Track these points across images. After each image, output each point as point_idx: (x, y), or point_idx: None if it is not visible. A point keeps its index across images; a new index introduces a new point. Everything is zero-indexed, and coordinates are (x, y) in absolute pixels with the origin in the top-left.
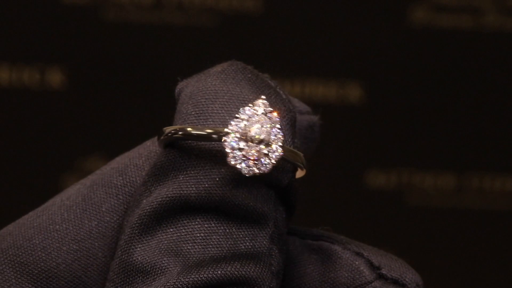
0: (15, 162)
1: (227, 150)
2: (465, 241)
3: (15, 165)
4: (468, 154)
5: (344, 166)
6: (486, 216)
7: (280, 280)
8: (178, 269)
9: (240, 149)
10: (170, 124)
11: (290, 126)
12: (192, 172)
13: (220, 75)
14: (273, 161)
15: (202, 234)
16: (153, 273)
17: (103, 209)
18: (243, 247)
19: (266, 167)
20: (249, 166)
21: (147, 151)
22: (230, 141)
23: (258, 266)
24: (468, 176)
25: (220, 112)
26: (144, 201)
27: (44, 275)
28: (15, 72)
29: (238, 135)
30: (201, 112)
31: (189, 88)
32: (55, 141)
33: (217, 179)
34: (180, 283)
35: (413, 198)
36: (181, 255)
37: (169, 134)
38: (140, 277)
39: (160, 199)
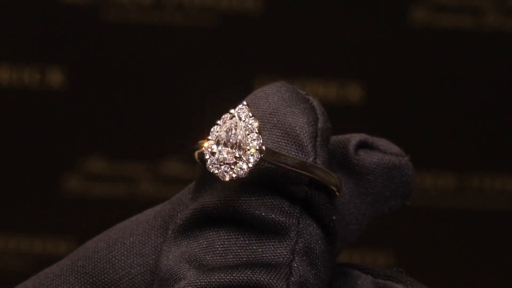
0: (15, 162)
1: (206, 156)
2: (465, 241)
3: (15, 165)
4: (468, 154)
5: None
6: (486, 216)
7: None
8: (191, 274)
9: (213, 153)
10: (171, 126)
11: (310, 137)
12: (215, 185)
13: (256, 93)
14: (250, 164)
15: (221, 245)
16: (171, 281)
17: (170, 227)
18: (261, 257)
19: (243, 170)
20: (225, 171)
21: None
22: (206, 147)
23: (271, 274)
24: (468, 176)
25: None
26: (179, 215)
27: (106, 286)
28: (15, 72)
29: (214, 141)
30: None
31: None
32: (55, 141)
33: (233, 190)
34: (191, 285)
35: (414, 198)
36: (199, 264)
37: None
38: (160, 285)
39: (188, 213)
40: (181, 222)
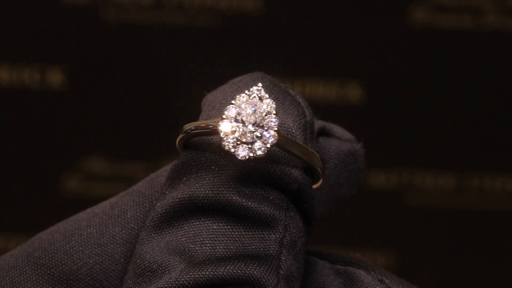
0: (15, 162)
1: (221, 135)
2: (465, 241)
3: (15, 165)
4: (468, 154)
5: None
6: (486, 216)
7: (295, 286)
8: (182, 267)
9: (233, 132)
10: (171, 126)
11: (301, 131)
12: (202, 174)
13: (239, 83)
14: (268, 145)
15: (210, 235)
16: (159, 272)
17: (128, 216)
18: (250, 249)
19: (261, 151)
20: (243, 150)
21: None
22: (224, 127)
23: (263, 267)
24: (468, 176)
25: (226, 103)
26: (158, 204)
27: (64, 277)
28: (15, 72)
29: (232, 120)
30: (211, 109)
31: (210, 97)
32: (55, 141)
33: (224, 180)
34: (183, 279)
35: (413, 198)
36: (188, 255)
37: (182, 134)
38: (148, 276)
39: (171, 201)
40: (163, 211)
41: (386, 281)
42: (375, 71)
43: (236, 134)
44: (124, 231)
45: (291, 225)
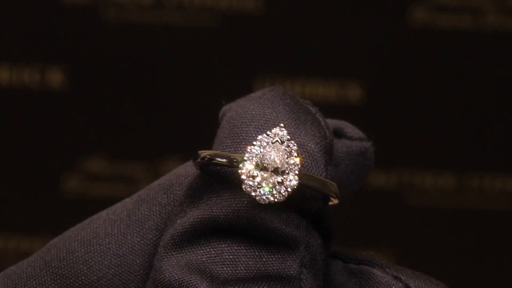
0: (15, 162)
1: (243, 177)
2: (465, 241)
3: (15, 165)
4: (468, 154)
5: None
6: (486, 216)
7: None
8: (204, 286)
9: (254, 177)
10: (171, 126)
11: (323, 153)
12: (224, 195)
13: (259, 99)
14: (289, 189)
15: (231, 256)
16: None
17: (146, 226)
18: (272, 270)
19: (281, 195)
20: (264, 194)
21: (194, 169)
22: (245, 169)
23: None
24: (468, 176)
25: (254, 135)
26: (178, 221)
27: None
28: (15, 72)
29: (253, 163)
30: (235, 135)
31: (230, 113)
32: (55, 141)
33: (246, 202)
34: None
35: (413, 198)
36: (209, 275)
37: (199, 159)
38: None
39: (192, 220)
40: (184, 229)
41: (402, 278)
42: (375, 71)
43: (258, 180)
44: (143, 241)
45: (311, 243)
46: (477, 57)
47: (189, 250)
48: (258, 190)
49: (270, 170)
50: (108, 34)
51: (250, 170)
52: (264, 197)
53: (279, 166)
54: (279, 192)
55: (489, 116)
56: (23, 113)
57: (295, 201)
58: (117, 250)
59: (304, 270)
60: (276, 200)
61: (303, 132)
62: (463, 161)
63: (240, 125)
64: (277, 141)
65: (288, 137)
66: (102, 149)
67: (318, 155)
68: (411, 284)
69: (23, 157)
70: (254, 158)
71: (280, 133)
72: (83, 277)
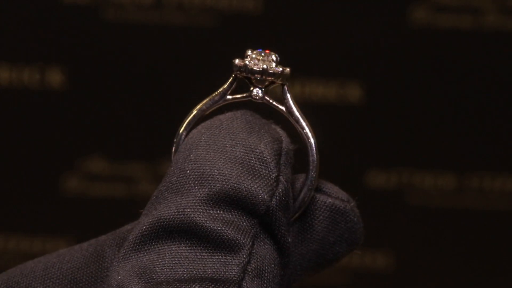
0: (15, 162)
1: (235, 68)
2: (465, 241)
3: (15, 165)
4: (468, 154)
5: (344, 166)
6: (486, 216)
7: None
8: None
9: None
10: (171, 126)
11: (273, 154)
12: (171, 197)
13: (220, 116)
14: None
15: (172, 259)
16: None
17: (106, 255)
18: (211, 272)
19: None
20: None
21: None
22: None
23: None
24: (468, 176)
25: (207, 141)
26: (132, 233)
27: None
28: (15, 72)
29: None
30: (188, 143)
31: (189, 138)
32: (55, 141)
33: (191, 201)
34: None
35: (413, 198)
36: (147, 277)
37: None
38: None
39: (140, 227)
40: (133, 238)
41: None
42: (375, 71)
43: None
44: (99, 269)
45: (258, 252)
46: (477, 57)
47: (135, 256)
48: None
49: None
50: (108, 34)
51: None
52: (254, 63)
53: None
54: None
55: (489, 116)
56: (23, 113)
57: (243, 197)
58: (75, 276)
59: (247, 277)
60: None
61: (255, 137)
62: (463, 161)
63: (196, 135)
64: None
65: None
66: (102, 149)
67: (267, 156)
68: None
69: (23, 157)
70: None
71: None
72: None
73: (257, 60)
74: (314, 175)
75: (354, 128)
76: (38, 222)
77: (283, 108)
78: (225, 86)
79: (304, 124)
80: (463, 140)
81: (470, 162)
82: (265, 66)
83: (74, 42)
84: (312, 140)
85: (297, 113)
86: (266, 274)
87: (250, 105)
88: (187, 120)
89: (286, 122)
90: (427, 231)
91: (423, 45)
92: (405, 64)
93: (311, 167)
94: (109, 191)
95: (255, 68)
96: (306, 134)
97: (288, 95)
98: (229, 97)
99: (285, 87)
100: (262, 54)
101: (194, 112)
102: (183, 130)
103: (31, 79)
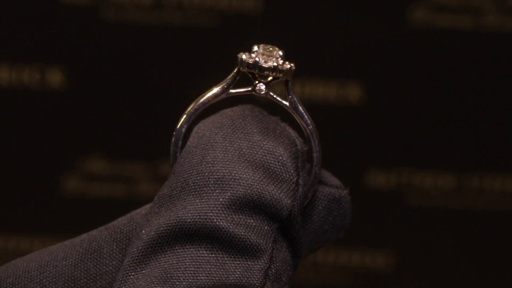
0: (15, 162)
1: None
2: (465, 241)
3: (15, 165)
4: (468, 154)
5: (344, 166)
6: (486, 216)
7: None
8: None
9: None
10: (171, 126)
11: (292, 158)
12: (189, 199)
13: (229, 112)
14: (284, 63)
15: (193, 263)
16: None
17: (104, 251)
18: (233, 278)
19: (273, 63)
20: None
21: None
22: (244, 56)
23: None
24: (468, 176)
25: (222, 143)
26: (144, 231)
27: None
28: (15, 72)
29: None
30: (203, 144)
31: (198, 125)
32: (55, 141)
33: (213, 206)
34: None
35: (413, 198)
36: (169, 282)
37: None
38: None
39: (157, 228)
40: (149, 238)
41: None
42: (375, 71)
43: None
44: (98, 266)
45: (277, 257)
46: (477, 57)
47: (154, 258)
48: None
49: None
50: (108, 34)
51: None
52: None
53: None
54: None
55: (489, 116)
56: (23, 113)
57: (266, 203)
58: (72, 273)
59: (268, 282)
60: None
61: (271, 139)
62: (463, 161)
63: (209, 134)
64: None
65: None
66: (102, 149)
67: (287, 160)
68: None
69: (23, 157)
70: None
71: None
72: None
73: (266, 56)
74: (318, 171)
75: (354, 128)
76: (38, 222)
77: (287, 103)
78: (228, 80)
79: (308, 120)
80: (463, 140)
81: (470, 162)
82: (275, 64)
83: (74, 42)
84: (315, 136)
85: (301, 109)
86: (283, 278)
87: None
88: (188, 113)
89: (283, 115)
90: (427, 231)
91: (423, 45)
92: (405, 64)
93: (315, 163)
94: (109, 191)
95: (264, 66)
96: (310, 130)
97: (292, 91)
98: (232, 91)
99: (289, 83)
100: (270, 49)
101: (195, 105)
102: (183, 123)
103: (31, 79)
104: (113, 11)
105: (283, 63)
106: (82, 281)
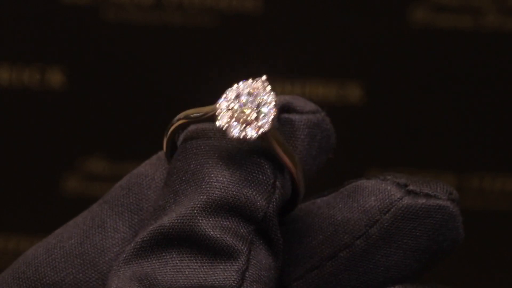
0: (15, 162)
1: (218, 111)
2: (465, 241)
3: (15, 165)
4: (468, 154)
5: (344, 166)
6: (486, 216)
7: None
8: None
9: (229, 109)
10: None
11: (270, 160)
12: (170, 203)
13: None
14: (261, 130)
15: (173, 267)
16: None
17: (107, 225)
18: (211, 280)
19: (254, 132)
20: (236, 127)
21: (152, 169)
22: (222, 106)
23: None
24: (468, 176)
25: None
26: (134, 239)
27: None
28: (15, 72)
29: (232, 98)
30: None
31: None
32: (55, 141)
33: (190, 209)
34: None
35: None
36: (148, 284)
37: (170, 127)
38: None
39: (144, 234)
40: (135, 244)
41: (389, 177)
42: (375, 71)
43: (233, 112)
44: (104, 240)
45: (255, 258)
46: (477, 57)
47: (137, 262)
48: (232, 124)
49: (245, 95)
50: (108, 34)
51: (227, 105)
52: (235, 131)
53: (254, 91)
54: (251, 130)
55: (489, 116)
56: (23, 113)
57: (241, 205)
58: (79, 250)
59: (245, 283)
60: (247, 137)
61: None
62: (463, 161)
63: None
64: (260, 85)
65: (270, 87)
66: (102, 149)
67: (264, 162)
68: (399, 180)
69: (23, 157)
70: (231, 96)
71: (262, 82)
72: (47, 278)
73: (242, 114)
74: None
75: (354, 128)
76: (38, 222)
77: None
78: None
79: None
80: (463, 140)
81: (470, 162)
82: (246, 134)
83: (74, 42)
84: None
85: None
86: (263, 279)
87: None
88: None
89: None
90: None
91: (423, 45)
92: (405, 64)
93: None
94: None
95: (231, 134)
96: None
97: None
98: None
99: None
100: (254, 92)
101: (179, 122)
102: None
103: (31, 79)
104: (113, 11)
105: (259, 128)
106: (90, 255)
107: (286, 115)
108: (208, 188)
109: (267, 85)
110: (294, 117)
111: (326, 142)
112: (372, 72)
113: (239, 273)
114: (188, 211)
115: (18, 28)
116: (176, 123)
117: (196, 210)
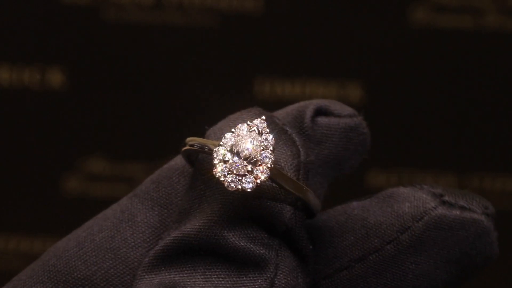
0: (15, 162)
1: (215, 161)
2: None
3: (15, 165)
4: (468, 154)
5: None
6: None
7: None
8: None
9: (225, 161)
10: (171, 126)
11: (294, 170)
12: (195, 213)
13: (237, 120)
14: (258, 180)
15: (202, 276)
16: None
17: (138, 220)
18: None
19: (249, 184)
20: (232, 181)
21: (183, 162)
22: (219, 153)
23: None
24: (468, 176)
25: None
26: (161, 241)
27: (79, 282)
28: (15, 72)
29: (228, 149)
30: (215, 132)
31: (210, 130)
32: (55, 141)
33: (216, 219)
34: None
35: None
36: None
37: (184, 147)
38: None
39: (167, 240)
40: (159, 250)
41: (425, 186)
42: (375, 71)
43: (228, 165)
44: (135, 234)
45: (283, 265)
46: (477, 57)
47: (163, 269)
48: (228, 175)
49: (242, 157)
50: (108, 34)
51: (223, 154)
52: (232, 184)
53: (251, 155)
54: (248, 182)
55: (489, 116)
56: (23, 113)
57: (263, 219)
58: (111, 244)
59: None
60: (243, 189)
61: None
62: (463, 161)
63: (219, 128)
64: (254, 131)
65: (268, 130)
66: (102, 149)
67: (289, 172)
68: (434, 190)
69: (23, 157)
70: (228, 143)
71: (260, 125)
72: (78, 272)
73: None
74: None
75: None
76: (38, 222)
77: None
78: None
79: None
80: (463, 140)
81: (470, 162)
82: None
83: (74, 42)
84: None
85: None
86: (291, 285)
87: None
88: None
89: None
90: None
91: (423, 45)
92: (405, 64)
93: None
94: (109, 191)
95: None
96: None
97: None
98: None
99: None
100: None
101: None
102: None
103: (31, 79)
104: (113, 11)
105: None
106: (122, 250)
107: (323, 118)
108: (232, 199)
109: (266, 133)
110: (331, 120)
111: (362, 145)
112: (373, 72)
113: (268, 281)
114: (214, 222)
115: (18, 28)
116: (184, 147)
117: (222, 221)
